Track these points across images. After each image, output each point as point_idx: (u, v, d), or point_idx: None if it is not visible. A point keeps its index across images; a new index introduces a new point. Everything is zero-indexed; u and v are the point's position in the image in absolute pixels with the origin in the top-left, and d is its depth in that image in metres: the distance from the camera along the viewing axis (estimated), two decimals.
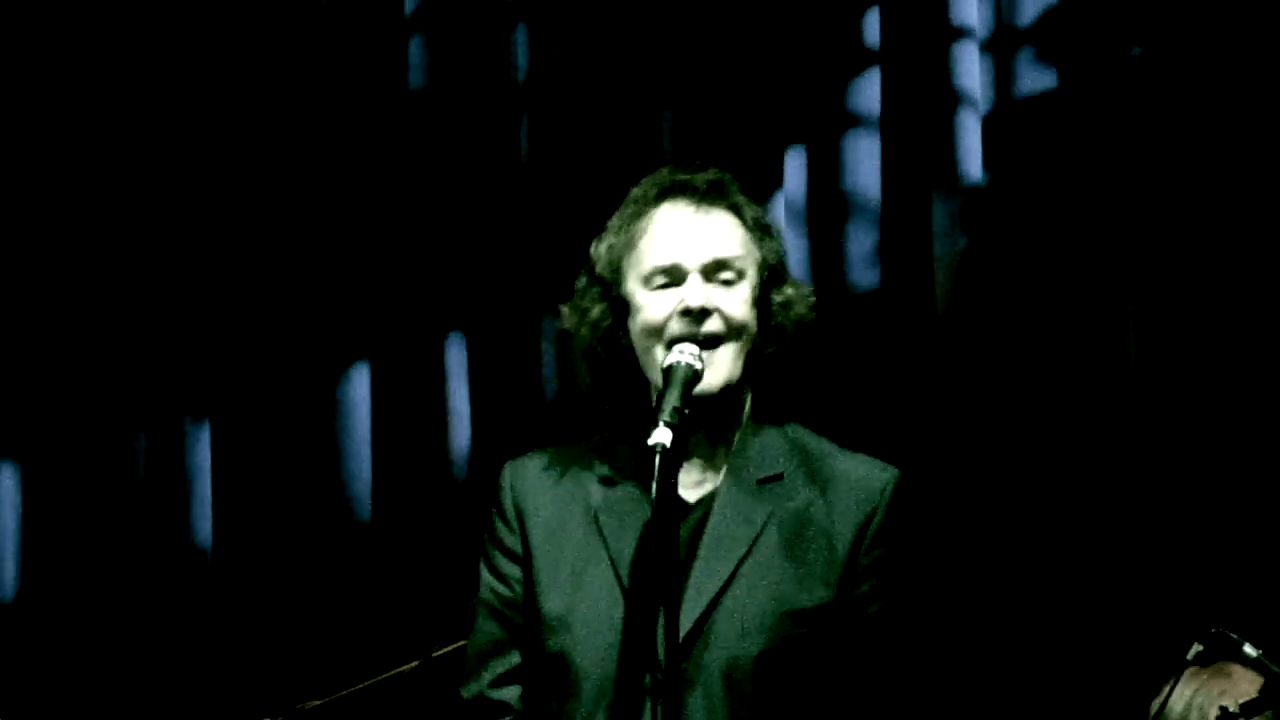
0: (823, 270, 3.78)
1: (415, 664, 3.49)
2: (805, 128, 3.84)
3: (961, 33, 3.80)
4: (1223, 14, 3.74)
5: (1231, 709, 2.79)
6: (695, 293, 2.41)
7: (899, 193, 3.77)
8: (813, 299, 2.55)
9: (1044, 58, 3.84)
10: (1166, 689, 2.97)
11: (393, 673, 3.51)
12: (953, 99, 3.75)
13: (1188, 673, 2.97)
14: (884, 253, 3.75)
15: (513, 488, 2.56)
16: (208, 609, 3.85)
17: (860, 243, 3.72)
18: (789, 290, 2.53)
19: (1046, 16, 3.81)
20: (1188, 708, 3.03)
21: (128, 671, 3.85)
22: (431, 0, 3.93)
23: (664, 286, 2.46)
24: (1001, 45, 3.89)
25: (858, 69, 3.76)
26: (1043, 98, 3.79)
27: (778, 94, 3.83)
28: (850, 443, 2.56)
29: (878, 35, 3.80)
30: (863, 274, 3.70)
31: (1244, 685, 2.93)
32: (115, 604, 3.83)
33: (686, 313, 2.42)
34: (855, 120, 3.82)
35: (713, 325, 2.44)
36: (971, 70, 3.74)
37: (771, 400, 2.58)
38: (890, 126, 3.78)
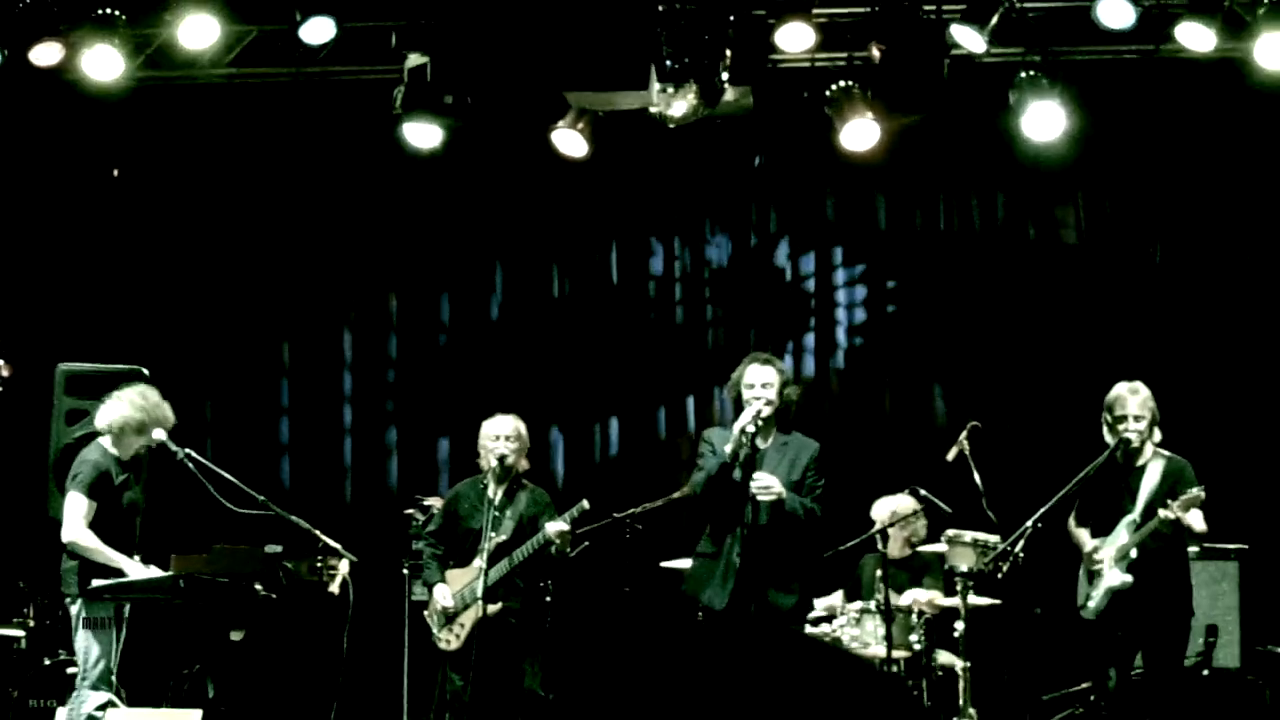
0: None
1: (676, 495, 8.72)
2: None
3: None
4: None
5: (896, 513, 8.36)
6: (755, 393, 7.72)
7: None
8: (799, 392, 7.83)
9: None
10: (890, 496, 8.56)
11: (671, 497, 8.67)
12: None
13: (900, 496, 8.54)
14: None
15: (707, 435, 7.85)
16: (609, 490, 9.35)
17: None
18: (790, 388, 7.72)
19: None
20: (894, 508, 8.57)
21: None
22: None
23: (749, 386, 7.75)
24: None
25: None
26: None
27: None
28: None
29: None
30: None
31: (905, 502, 8.53)
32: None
33: (755, 398, 7.66)
34: None
35: (760, 402, 7.67)
36: None
37: (790, 423, 7.83)
38: None
